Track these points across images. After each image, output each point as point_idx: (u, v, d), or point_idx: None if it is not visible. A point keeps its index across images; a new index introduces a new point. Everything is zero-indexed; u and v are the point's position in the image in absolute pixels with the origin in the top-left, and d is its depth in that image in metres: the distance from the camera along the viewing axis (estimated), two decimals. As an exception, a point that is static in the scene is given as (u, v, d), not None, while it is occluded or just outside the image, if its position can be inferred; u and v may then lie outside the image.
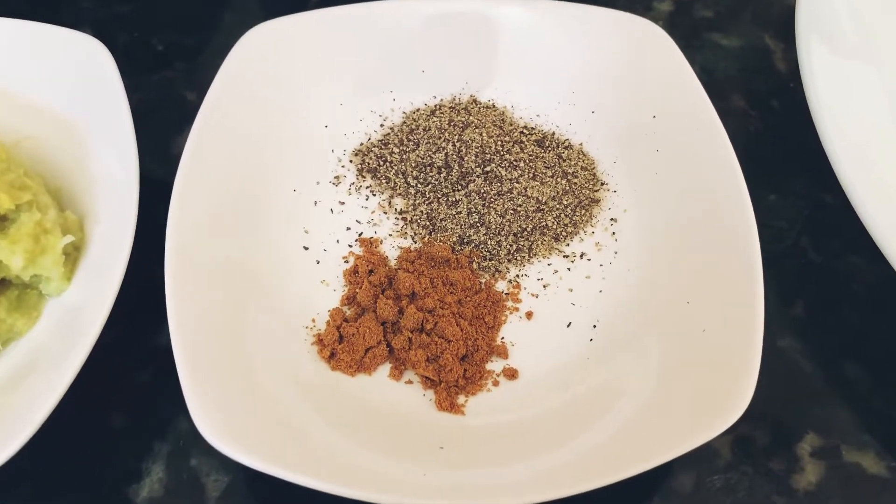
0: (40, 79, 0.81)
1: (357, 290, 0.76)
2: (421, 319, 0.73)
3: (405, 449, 0.67)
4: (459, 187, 0.82)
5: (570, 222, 0.81)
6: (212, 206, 0.75)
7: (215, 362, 0.67)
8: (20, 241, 0.70)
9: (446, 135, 0.84)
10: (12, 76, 0.82)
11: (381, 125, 0.87)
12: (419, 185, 0.83)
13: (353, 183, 0.84)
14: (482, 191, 0.81)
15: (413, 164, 0.84)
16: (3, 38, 0.82)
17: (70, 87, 0.80)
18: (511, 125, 0.86)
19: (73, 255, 0.74)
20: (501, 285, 0.78)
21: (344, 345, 0.73)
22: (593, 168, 0.84)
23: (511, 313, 0.76)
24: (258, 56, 0.81)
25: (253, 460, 0.61)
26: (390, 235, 0.81)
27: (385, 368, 0.73)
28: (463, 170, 0.82)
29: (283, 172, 0.82)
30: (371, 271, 0.77)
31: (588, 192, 0.83)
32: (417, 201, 0.82)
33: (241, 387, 0.67)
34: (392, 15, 0.86)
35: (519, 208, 0.80)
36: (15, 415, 0.63)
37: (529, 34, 0.87)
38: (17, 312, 0.73)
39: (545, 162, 0.83)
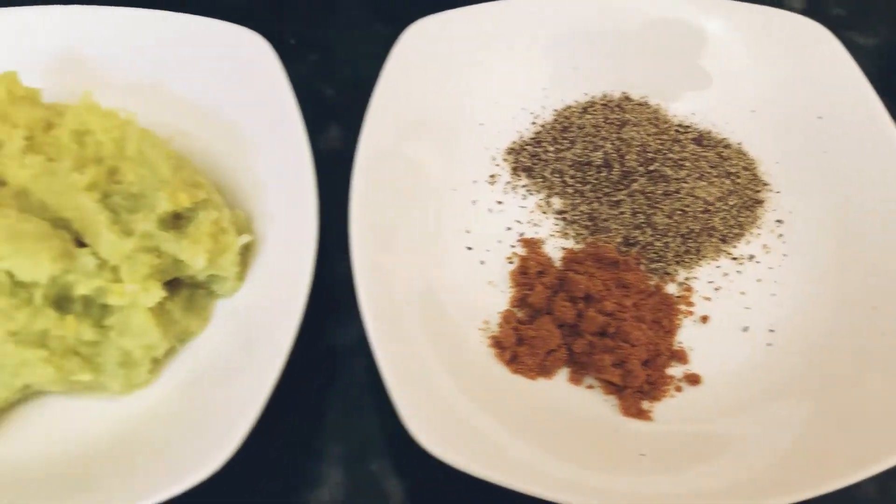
0: (198, 74, 0.79)
1: (527, 292, 0.74)
2: (603, 323, 0.71)
3: (604, 456, 0.66)
4: (622, 187, 0.80)
5: (735, 223, 0.79)
6: (387, 208, 0.73)
7: (412, 367, 0.65)
8: (201, 240, 0.68)
9: (603, 132, 0.82)
10: (169, 70, 0.80)
11: (533, 122, 0.85)
12: (577, 185, 0.81)
13: (508, 182, 0.82)
14: (647, 190, 0.79)
15: (569, 163, 0.82)
16: (160, 31, 0.80)
17: (230, 83, 0.78)
18: (665, 123, 0.85)
19: (243, 254, 0.72)
20: (670, 288, 0.76)
21: (524, 348, 0.71)
22: (755, 168, 0.83)
23: (685, 317, 0.75)
24: (418, 53, 0.79)
25: (474, 466, 0.59)
26: (552, 236, 0.79)
27: (562, 372, 0.72)
28: (624, 168, 0.80)
29: (444, 172, 0.80)
30: (541, 272, 0.75)
31: (751, 192, 0.81)
32: (577, 201, 0.80)
33: (435, 391, 0.65)
34: (546, 12, 0.84)
35: (687, 209, 0.78)
36: (220, 423, 0.62)
37: (685, 31, 0.85)
38: (191, 313, 0.71)
39: (708, 161, 0.82)
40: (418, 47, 0.79)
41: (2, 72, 0.75)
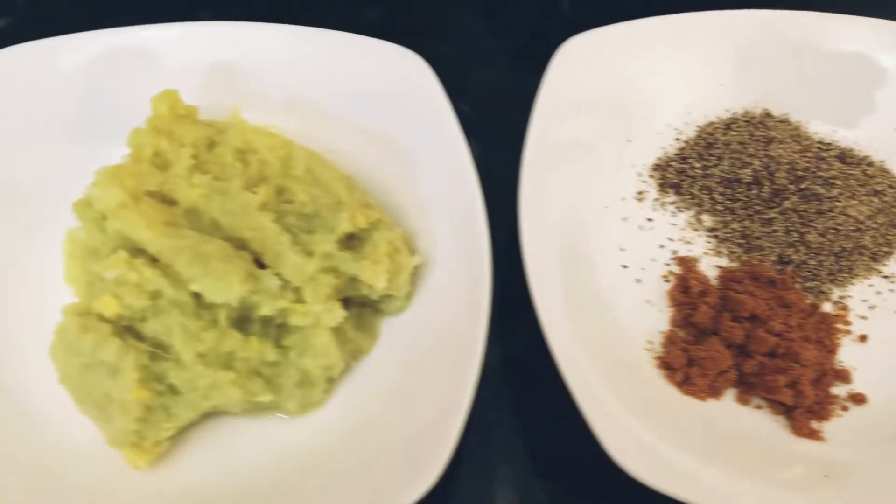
0: (353, 92, 0.79)
1: (690, 312, 0.74)
2: (773, 343, 0.71)
3: (785, 476, 0.66)
4: (773, 205, 0.80)
5: (884, 241, 0.79)
6: (551, 228, 0.73)
7: (600, 391, 0.65)
8: (381, 260, 0.68)
9: (750, 150, 0.82)
10: (322, 88, 0.80)
11: (677, 139, 0.85)
12: (727, 202, 0.81)
13: (656, 198, 0.82)
14: (799, 209, 0.79)
15: (717, 180, 0.82)
16: (312, 48, 0.80)
17: (387, 100, 0.78)
18: (807, 140, 0.85)
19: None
20: (826, 307, 0.76)
21: (695, 369, 0.71)
22: (900, 186, 0.83)
23: (843, 336, 0.75)
24: (573, 71, 0.79)
25: (675, 489, 0.59)
26: (705, 254, 0.79)
27: (729, 393, 0.72)
28: (775, 186, 0.80)
29: (596, 189, 0.80)
30: (703, 292, 0.75)
31: (897, 210, 0.82)
32: (727, 218, 0.80)
33: (612, 413, 0.65)
34: (693, 31, 0.84)
35: (839, 227, 0.78)
36: (416, 446, 0.62)
37: (824, 49, 0.85)
38: (361, 332, 0.71)
39: (856, 180, 0.82)
40: (572, 65, 0.79)
41: (161, 89, 0.75)
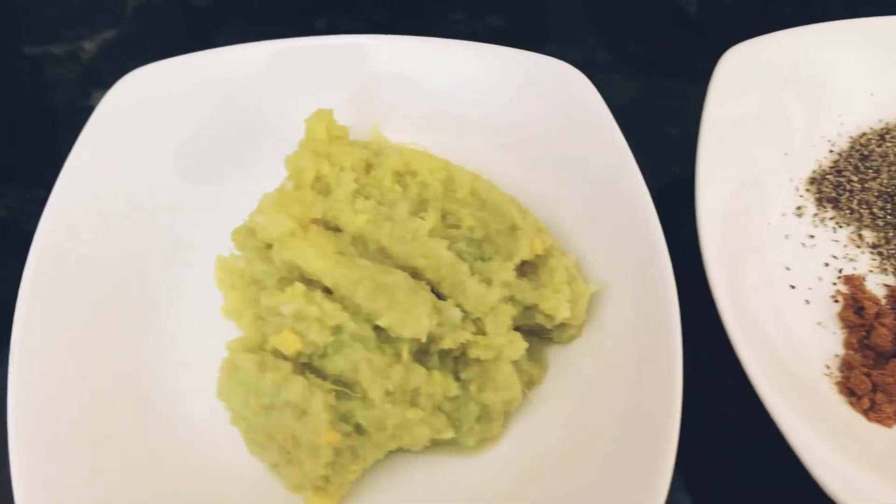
0: (503, 107, 0.76)
1: (865, 334, 0.72)
2: (962, 367, 0.69)
3: None
4: (939, 219, 0.77)
5: None
6: (730, 249, 0.70)
7: (796, 420, 0.63)
8: (561, 289, 0.65)
9: (909, 162, 0.80)
10: (472, 103, 0.76)
11: (830, 151, 0.82)
12: (888, 217, 0.78)
13: (815, 213, 0.79)
14: (968, 223, 0.77)
15: (876, 194, 0.79)
16: (460, 61, 0.76)
17: (544, 116, 0.74)
18: (965, 150, 0.82)
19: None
20: None
21: (880, 395, 0.68)
22: None
23: None
24: (734, 80, 0.76)
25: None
26: (870, 272, 0.76)
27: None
28: (940, 200, 0.78)
29: (757, 204, 0.77)
30: (878, 313, 0.72)
31: None
32: (890, 234, 0.77)
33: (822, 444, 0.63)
34: (849, 36, 0.81)
35: None
36: (623, 481, 0.59)
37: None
38: (533, 362, 0.68)
39: None
40: (734, 76, 0.76)
41: (310, 107, 0.72)
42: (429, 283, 0.65)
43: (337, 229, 0.67)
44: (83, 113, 0.87)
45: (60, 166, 0.83)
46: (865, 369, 0.70)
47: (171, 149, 0.74)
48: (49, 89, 0.88)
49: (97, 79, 0.89)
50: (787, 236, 0.77)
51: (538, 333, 0.69)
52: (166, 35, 0.92)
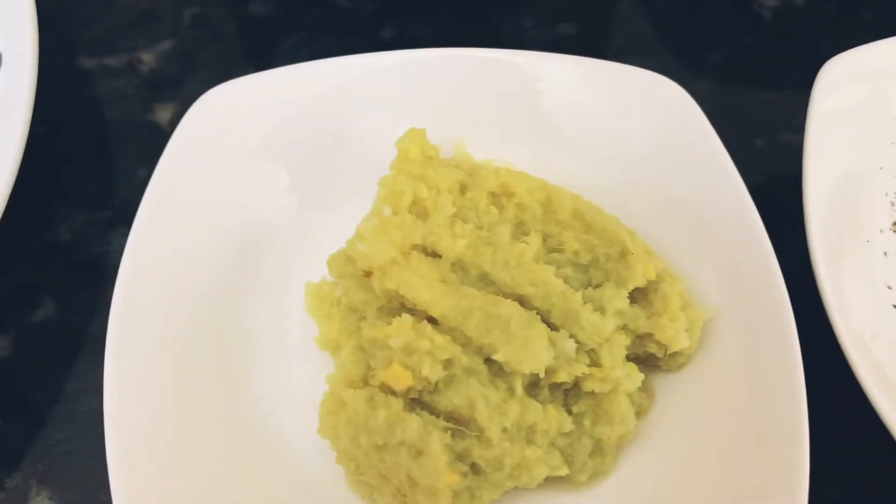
0: (598, 123, 0.73)
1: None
2: None
3: None
4: None
5: None
6: (842, 264, 0.68)
7: None
8: (676, 316, 0.62)
9: None
10: (562, 119, 0.73)
11: (925, 161, 0.80)
12: None
13: (913, 229, 0.77)
14: None
15: (975, 209, 0.77)
16: (554, 75, 0.73)
17: (637, 132, 0.71)
18: None
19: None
20: None
21: None
22: None
23: None
24: (833, 91, 0.73)
25: None
26: (970, 289, 0.74)
27: None
28: None
29: (854, 220, 0.74)
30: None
31: None
32: None
33: None
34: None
35: None
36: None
37: None
38: (643, 391, 0.65)
39: None
40: (834, 86, 0.73)
41: (396, 124, 0.69)
42: (538, 312, 0.62)
43: (435, 255, 0.64)
44: (144, 128, 0.84)
45: (125, 186, 0.81)
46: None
47: (255, 171, 0.71)
48: (106, 103, 0.85)
49: (157, 92, 0.85)
50: (886, 253, 0.75)
51: (645, 361, 0.66)
52: (226, 45, 0.89)
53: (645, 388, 0.66)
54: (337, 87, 0.74)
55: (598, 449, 0.62)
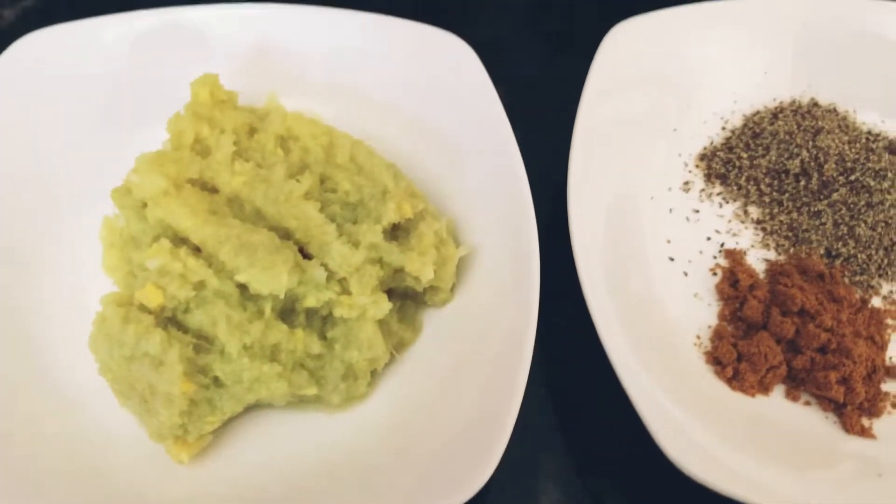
0: (393, 77, 0.77)
1: (738, 306, 0.73)
2: (825, 339, 0.70)
3: (836, 475, 0.65)
4: (821, 196, 0.78)
5: (935, 235, 0.78)
6: (598, 222, 0.72)
7: (652, 387, 0.64)
8: (427, 252, 0.67)
9: (798, 140, 0.81)
10: (362, 73, 0.78)
11: (723, 128, 0.83)
12: (774, 193, 0.79)
13: (702, 189, 0.80)
14: (848, 201, 0.78)
15: (764, 171, 0.80)
16: (349, 30, 0.78)
17: (429, 86, 0.76)
18: (856, 130, 0.83)
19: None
20: (875, 301, 0.75)
21: (744, 364, 0.70)
22: (950, 177, 0.81)
23: (894, 332, 0.74)
24: (621, 56, 0.77)
25: (726, 485, 0.59)
26: (752, 247, 0.78)
27: (779, 388, 0.71)
28: (823, 178, 0.79)
29: (641, 178, 0.78)
30: (752, 286, 0.74)
31: (948, 202, 0.80)
32: (774, 210, 0.79)
33: (663, 409, 0.64)
34: (740, 18, 0.82)
35: (890, 221, 0.77)
36: (467, 439, 0.60)
37: (876, 34, 0.83)
38: (404, 324, 0.70)
39: (907, 171, 0.80)
40: (621, 50, 0.77)
41: (200, 73, 0.73)
42: (298, 243, 0.67)
43: (214, 190, 0.69)
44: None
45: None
46: (734, 340, 0.71)
47: (62, 110, 0.76)
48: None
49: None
50: (671, 210, 0.79)
51: (413, 297, 0.71)
52: (86, 4, 0.93)
53: (409, 322, 0.70)
54: (158, 38, 0.79)
55: (350, 373, 0.66)
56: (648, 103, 0.80)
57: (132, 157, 0.71)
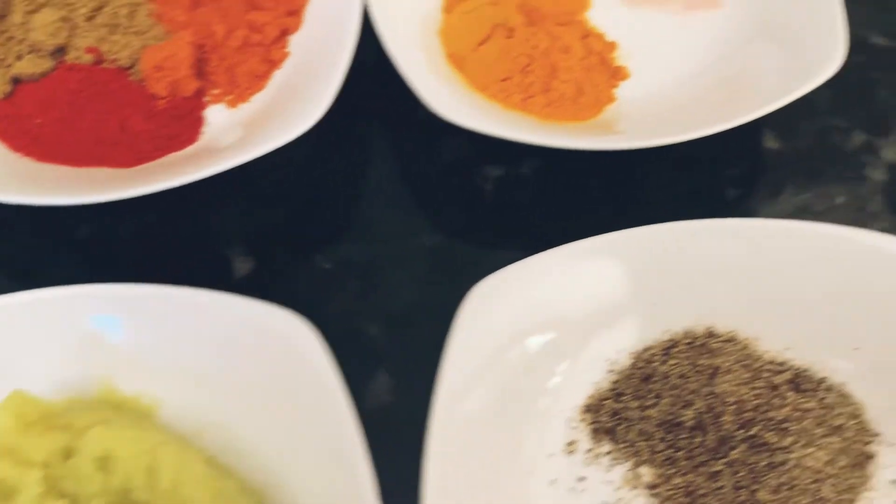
0: (231, 360, 0.70)
1: None
2: None
3: None
4: (720, 454, 0.71)
5: (846, 488, 0.70)
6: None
7: None
8: None
9: (692, 384, 0.73)
10: (201, 354, 0.71)
11: (610, 370, 0.76)
12: (668, 450, 0.72)
13: (589, 449, 0.72)
14: (748, 461, 0.70)
15: (656, 423, 0.72)
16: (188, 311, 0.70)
17: (269, 367, 0.69)
18: (758, 361, 0.75)
19: None
20: (784, 578, 0.68)
21: None
22: (861, 415, 0.73)
23: None
24: (483, 315, 0.70)
25: None
26: (645, 519, 0.70)
27: None
28: (721, 433, 0.71)
29: (514, 450, 0.70)
30: (641, 578, 0.66)
31: (860, 445, 0.72)
32: (669, 471, 0.71)
33: None
34: (615, 253, 0.74)
35: (795, 482, 0.69)
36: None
37: (780, 256, 0.75)
38: None
39: (813, 417, 0.72)
40: (483, 313, 0.69)
41: (8, 387, 0.66)
42: None
43: (22, 536, 0.61)
44: None
45: None
46: None
47: None
48: None
49: None
50: (552, 482, 0.71)
51: None
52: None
53: None
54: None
55: None
56: (519, 362, 0.71)
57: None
